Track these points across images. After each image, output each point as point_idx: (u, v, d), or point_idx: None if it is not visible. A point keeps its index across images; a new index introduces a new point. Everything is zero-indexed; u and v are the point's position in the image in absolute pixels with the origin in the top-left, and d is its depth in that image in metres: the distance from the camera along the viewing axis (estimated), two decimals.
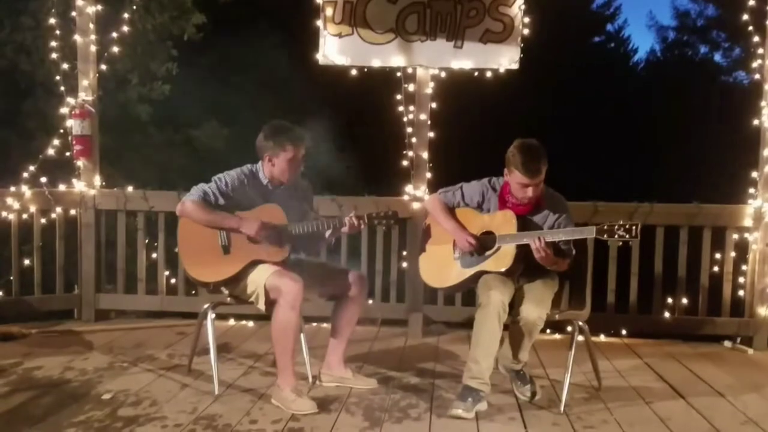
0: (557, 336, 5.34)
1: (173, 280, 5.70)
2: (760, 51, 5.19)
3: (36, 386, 4.05)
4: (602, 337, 5.36)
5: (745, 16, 5.18)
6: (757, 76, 5.27)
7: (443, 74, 5.44)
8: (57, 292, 5.62)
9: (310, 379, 4.23)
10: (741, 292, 5.29)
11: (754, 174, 5.25)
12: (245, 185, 3.97)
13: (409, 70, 5.39)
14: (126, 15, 5.80)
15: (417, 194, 5.37)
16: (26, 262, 5.54)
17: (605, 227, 3.61)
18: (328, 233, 4.05)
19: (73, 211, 5.65)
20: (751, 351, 5.14)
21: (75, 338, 5.12)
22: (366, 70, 5.44)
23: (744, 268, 5.28)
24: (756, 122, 5.23)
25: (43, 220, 5.57)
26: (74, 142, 5.49)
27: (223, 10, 9.49)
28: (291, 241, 3.93)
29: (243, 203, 3.93)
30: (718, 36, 23.39)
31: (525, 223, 3.84)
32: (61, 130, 5.58)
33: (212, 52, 11.46)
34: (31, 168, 5.52)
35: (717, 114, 15.75)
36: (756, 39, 5.19)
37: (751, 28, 5.18)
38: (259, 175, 4.01)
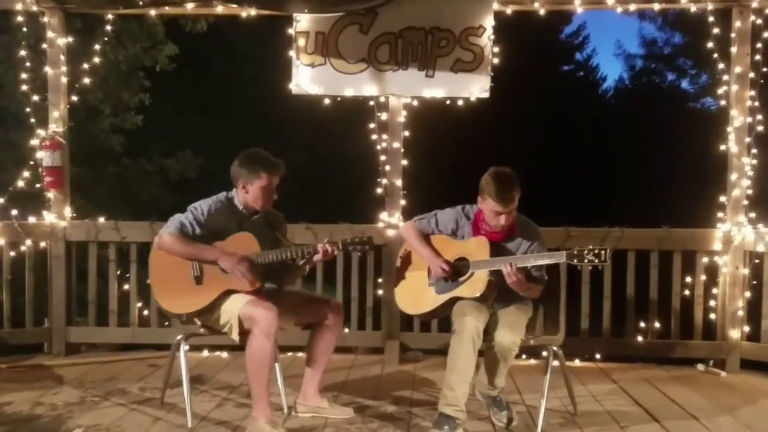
0: (532, 361, 5.35)
1: (145, 312, 5.63)
2: (726, 78, 5.30)
3: (5, 422, 3.97)
4: (577, 362, 5.38)
5: (711, 44, 5.31)
6: (723, 102, 5.38)
7: (415, 103, 5.49)
8: (27, 325, 5.51)
9: (286, 410, 4.19)
10: (712, 315, 5.34)
11: (723, 198, 5.34)
12: (221, 213, 3.95)
13: (382, 99, 5.44)
14: (97, 46, 5.78)
15: (391, 221, 5.38)
16: None
17: (575, 252, 3.65)
18: (301, 263, 4.04)
19: (43, 243, 5.57)
20: (723, 374, 5.18)
21: (45, 373, 5.03)
22: (339, 99, 5.47)
23: (714, 291, 5.33)
24: (723, 147, 5.32)
25: (12, 253, 5.49)
26: (45, 174, 5.44)
27: (195, 40, 9.50)
28: (265, 270, 3.91)
29: (219, 231, 3.90)
30: (685, 63, 23.83)
31: (498, 250, 3.86)
32: (32, 162, 5.53)
33: (185, 81, 11.48)
34: (1, 200, 5.45)
35: (685, 139, 16.00)
36: (721, 66, 5.30)
37: (716, 55, 5.30)
38: (235, 201, 3.99)
